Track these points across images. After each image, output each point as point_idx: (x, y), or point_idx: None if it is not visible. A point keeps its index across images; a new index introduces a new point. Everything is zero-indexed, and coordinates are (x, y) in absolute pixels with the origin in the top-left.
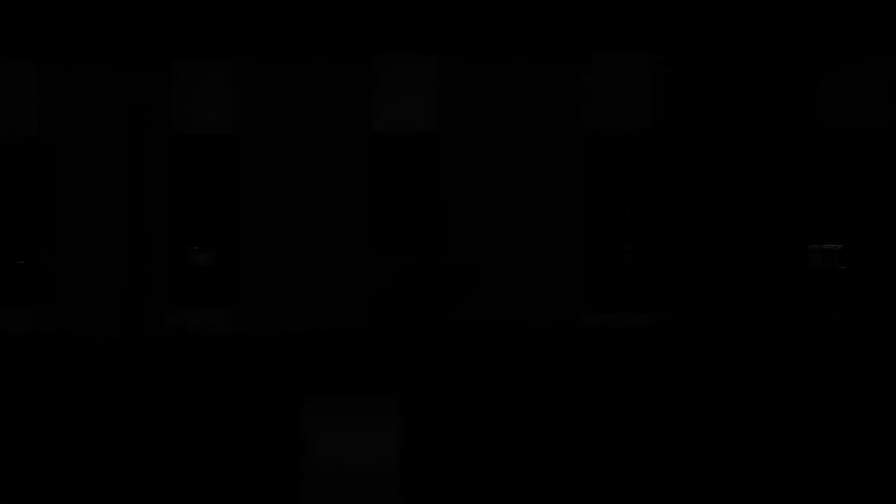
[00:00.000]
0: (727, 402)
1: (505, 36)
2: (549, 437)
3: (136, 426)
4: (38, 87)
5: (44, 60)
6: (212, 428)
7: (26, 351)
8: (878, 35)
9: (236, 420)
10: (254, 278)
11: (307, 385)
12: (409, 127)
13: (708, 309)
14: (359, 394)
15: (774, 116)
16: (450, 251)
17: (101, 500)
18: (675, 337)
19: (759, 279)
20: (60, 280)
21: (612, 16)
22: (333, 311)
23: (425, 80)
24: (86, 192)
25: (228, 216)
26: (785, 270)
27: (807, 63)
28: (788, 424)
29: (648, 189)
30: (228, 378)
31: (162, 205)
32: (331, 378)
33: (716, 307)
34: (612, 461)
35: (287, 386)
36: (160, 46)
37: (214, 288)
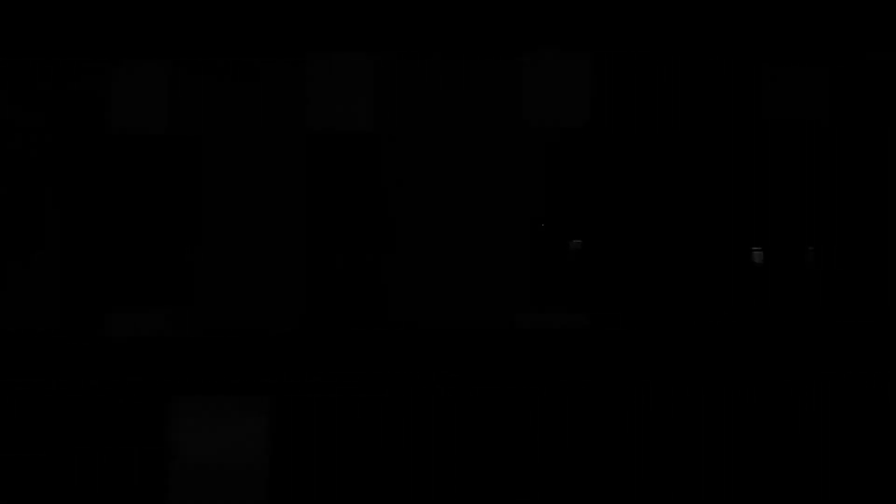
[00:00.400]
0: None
1: (440, 34)
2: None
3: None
4: None
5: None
6: (78, 430)
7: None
8: (817, 30)
9: (102, 421)
10: (188, 278)
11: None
12: (346, 126)
13: (649, 308)
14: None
15: (714, 112)
16: (390, 252)
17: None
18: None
19: (701, 278)
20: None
21: (550, 13)
22: (266, 311)
23: (362, 79)
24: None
25: (163, 215)
26: (726, 269)
27: (749, 57)
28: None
29: (587, 187)
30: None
31: (96, 204)
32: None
33: (655, 306)
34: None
35: (152, 386)
36: (100, 45)
37: (149, 288)
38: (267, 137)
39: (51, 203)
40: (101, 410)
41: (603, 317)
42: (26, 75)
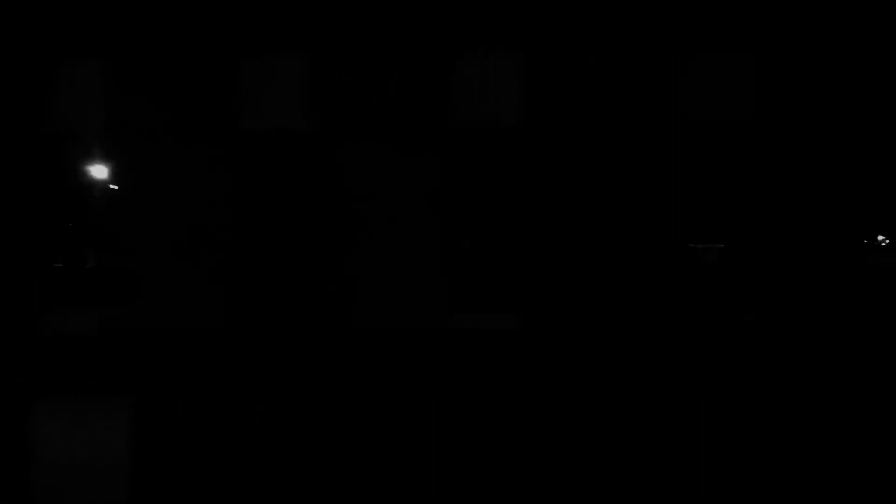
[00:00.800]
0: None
1: (372, 32)
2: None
3: None
4: None
5: None
6: None
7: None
8: (740, 26)
9: None
10: (123, 279)
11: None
12: (279, 125)
13: (576, 309)
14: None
15: (639, 110)
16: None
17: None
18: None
19: (629, 278)
20: None
21: (480, 11)
22: (202, 311)
23: (294, 78)
24: None
25: (98, 217)
26: (653, 269)
27: (672, 55)
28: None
29: (518, 186)
30: None
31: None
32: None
33: (582, 307)
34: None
35: (16, 386)
36: (41, 45)
37: (82, 289)
38: (202, 137)
39: None
40: None
41: (536, 318)
42: None
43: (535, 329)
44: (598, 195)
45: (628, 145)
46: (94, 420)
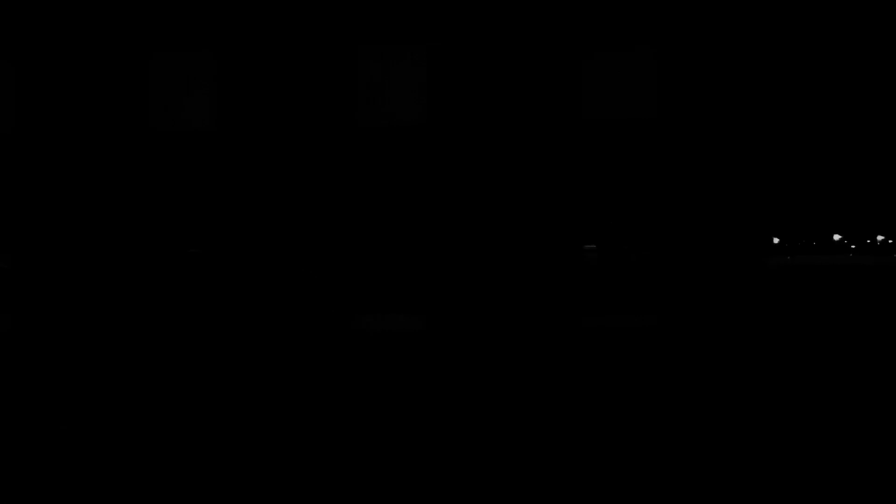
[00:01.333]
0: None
1: (277, 31)
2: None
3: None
4: None
5: None
6: None
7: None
8: (639, 25)
9: None
10: (35, 282)
11: None
12: (188, 125)
13: (473, 312)
14: None
15: (538, 109)
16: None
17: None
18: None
19: (519, 280)
20: None
21: (379, 8)
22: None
23: (203, 78)
24: None
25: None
26: (548, 271)
27: (570, 54)
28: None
29: (423, 185)
30: None
31: None
32: None
33: (477, 309)
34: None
35: None
36: None
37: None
38: (113, 137)
39: None
40: None
41: (439, 320)
42: None
43: (439, 329)
44: (493, 195)
45: (526, 145)
46: None
